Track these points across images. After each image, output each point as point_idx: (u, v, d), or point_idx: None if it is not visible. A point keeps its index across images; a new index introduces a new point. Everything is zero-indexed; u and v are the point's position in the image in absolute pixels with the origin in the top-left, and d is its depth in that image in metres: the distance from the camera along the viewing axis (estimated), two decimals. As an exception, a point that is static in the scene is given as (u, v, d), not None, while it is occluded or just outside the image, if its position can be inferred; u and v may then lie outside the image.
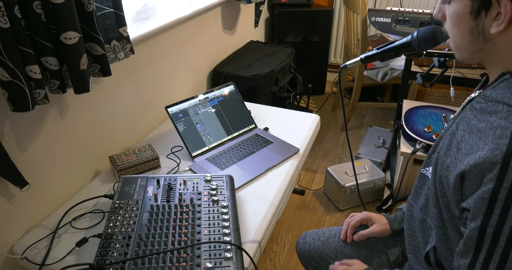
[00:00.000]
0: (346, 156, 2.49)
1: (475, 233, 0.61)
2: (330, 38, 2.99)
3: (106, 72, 1.10)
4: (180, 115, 1.36)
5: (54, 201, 1.16)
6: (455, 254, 0.67)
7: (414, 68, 2.08)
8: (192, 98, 1.41)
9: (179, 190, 1.06)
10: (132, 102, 1.44)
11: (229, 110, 1.48)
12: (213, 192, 1.05)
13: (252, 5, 2.44)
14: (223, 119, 1.45)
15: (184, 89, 1.82)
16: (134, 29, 1.40)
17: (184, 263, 0.84)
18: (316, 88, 3.08)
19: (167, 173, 1.26)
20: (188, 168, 1.29)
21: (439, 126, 1.70)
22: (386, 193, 2.02)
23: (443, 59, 1.37)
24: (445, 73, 1.50)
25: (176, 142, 1.41)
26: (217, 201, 1.03)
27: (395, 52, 0.85)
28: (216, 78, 2.04)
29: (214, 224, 0.96)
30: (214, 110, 1.45)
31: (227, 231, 0.94)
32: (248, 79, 1.94)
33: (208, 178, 1.11)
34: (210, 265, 0.84)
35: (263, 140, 1.42)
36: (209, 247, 0.89)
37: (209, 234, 0.93)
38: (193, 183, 1.09)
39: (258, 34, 2.73)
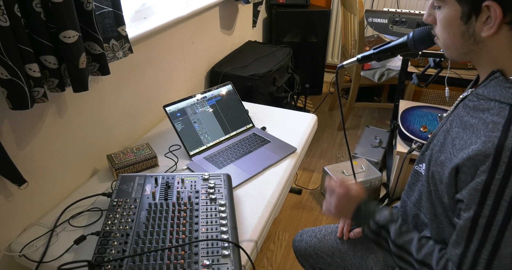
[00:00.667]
0: (343, 156, 2.50)
1: (468, 224, 0.63)
2: (328, 38, 3.00)
3: (104, 71, 1.11)
4: (178, 114, 1.37)
5: (52, 199, 1.16)
6: (448, 245, 0.69)
7: (410, 68, 2.10)
8: (190, 97, 1.42)
9: (177, 188, 1.07)
10: (130, 101, 1.45)
11: (226, 109, 1.48)
12: (211, 191, 1.06)
13: (250, 6, 2.45)
14: (221, 118, 1.46)
15: (182, 88, 1.82)
16: (132, 29, 1.40)
17: (182, 260, 0.85)
18: (314, 89, 3.10)
19: (165, 172, 1.27)
20: (186, 167, 1.29)
21: (435, 126, 1.71)
22: (382, 192, 2.03)
23: (438, 59, 1.39)
24: (441, 74, 1.52)
25: (174, 141, 1.42)
26: (215, 199, 1.04)
27: (391, 52, 0.86)
28: (214, 77, 2.04)
29: (211, 222, 0.96)
30: (212, 109, 1.45)
31: (224, 229, 0.94)
32: (246, 79, 1.95)
33: (206, 177, 1.11)
34: (207, 263, 0.85)
35: (260, 140, 1.43)
36: (207, 245, 0.90)
37: (206, 232, 0.94)
38: (191, 181, 1.10)
39: (256, 34, 2.74)
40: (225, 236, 0.92)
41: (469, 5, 0.62)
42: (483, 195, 0.60)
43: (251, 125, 1.52)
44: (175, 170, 1.29)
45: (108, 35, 1.15)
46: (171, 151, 1.38)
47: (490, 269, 0.62)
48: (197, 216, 0.98)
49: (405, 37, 0.82)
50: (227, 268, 0.84)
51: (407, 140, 1.71)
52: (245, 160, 1.31)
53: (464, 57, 0.69)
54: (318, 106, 3.10)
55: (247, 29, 2.53)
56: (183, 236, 0.92)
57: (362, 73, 2.48)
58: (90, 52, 1.06)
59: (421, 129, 1.70)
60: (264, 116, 1.62)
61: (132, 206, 1.00)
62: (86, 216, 1.09)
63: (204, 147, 1.38)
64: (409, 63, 2.07)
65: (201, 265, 0.84)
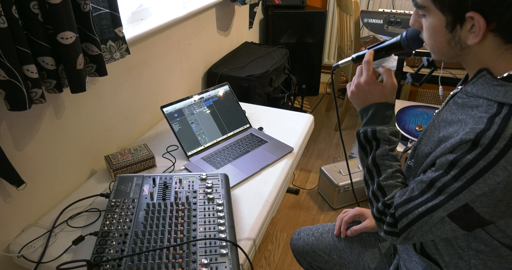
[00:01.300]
0: (340, 156, 2.51)
1: (427, 181, 0.68)
2: (324, 39, 3.02)
3: (102, 72, 1.12)
4: (176, 115, 1.37)
5: (50, 200, 1.16)
6: (401, 190, 0.76)
7: (406, 68, 2.11)
8: (187, 98, 1.43)
9: (175, 188, 1.07)
10: (128, 102, 1.45)
11: (224, 110, 1.49)
12: (209, 190, 1.07)
13: (247, 7, 2.46)
14: (218, 119, 1.47)
15: (179, 89, 1.83)
16: (129, 30, 1.41)
17: (180, 260, 0.86)
18: (310, 89, 3.11)
19: (163, 172, 1.28)
20: (184, 167, 1.30)
21: (431, 125, 1.73)
22: (379, 192, 2.04)
23: (431, 58, 1.40)
24: (436, 73, 1.53)
25: (172, 142, 1.42)
26: (213, 199, 1.04)
27: (385, 51, 0.87)
28: (211, 78, 2.05)
29: (209, 222, 0.97)
30: (209, 110, 1.46)
31: (222, 228, 0.95)
32: (242, 79, 1.96)
33: (204, 177, 1.12)
34: (205, 261, 0.85)
35: (257, 140, 1.43)
36: (205, 244, 0.90)
37: (204, 231, 0.94)
38: (189, 181, 1.11)
39: (253, 35, 2.75)
40: (223, 235, 0.93)
41: (453, 15, 0.63)
42: (451, 165, 0.64)
43: (248, 125, 1.53)
44: (172, 170, 1.29)
45: (105, 36, 1.15)
46: (168, 152, 1.39)
47: (416, 222, 0.69)
48: (195, 216, 0.99)
49: (398, 37, 0.83)
50: (225, 267, 0.85)
51: (403, 139, 1.72)
52: (242, 160, 1.32)
53: (451, 60, 0.72)
54: (315, 107, 3.11)
55: (244, 30, 2.54)
56: (181, 235, 0.92)
57: (358, 73, 2.49)
58: (88, 53, 1.07)
59: (417, 128, 1.71)
60: (261, 116, 1.63)
61: (130, 206, 1.00)
62: (84, 217, 1.09)
63: (202, 147, 1.39)
64: (405, 63, 2.09)
65: (199, 264, 0.85)
